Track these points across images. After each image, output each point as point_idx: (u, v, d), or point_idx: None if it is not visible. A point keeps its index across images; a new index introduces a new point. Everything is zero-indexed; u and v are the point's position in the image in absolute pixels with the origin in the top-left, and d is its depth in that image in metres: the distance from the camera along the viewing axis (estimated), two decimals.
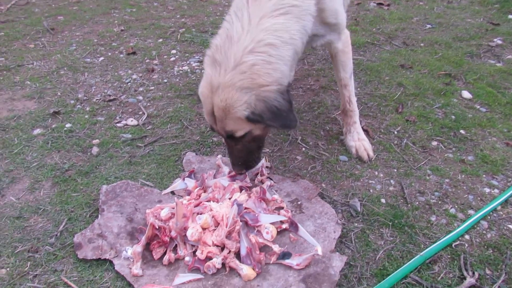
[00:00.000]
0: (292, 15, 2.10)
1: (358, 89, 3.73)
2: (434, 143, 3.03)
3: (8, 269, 2.05)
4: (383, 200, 2.51)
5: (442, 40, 4.67)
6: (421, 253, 2.13)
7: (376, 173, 2.74)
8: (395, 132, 3.14)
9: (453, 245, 2.21)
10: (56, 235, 2.24)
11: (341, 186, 2.62)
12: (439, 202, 2.51)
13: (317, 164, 2.82)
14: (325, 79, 3.87)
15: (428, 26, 5.13)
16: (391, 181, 2.68)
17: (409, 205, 2.48)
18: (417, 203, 2.50)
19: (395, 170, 2.77)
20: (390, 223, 2.34)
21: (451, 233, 2.26)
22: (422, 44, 4.63)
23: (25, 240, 2.21)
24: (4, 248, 2.16)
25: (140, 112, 3.41)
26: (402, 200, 2.52)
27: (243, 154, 2.33)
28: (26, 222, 2.33)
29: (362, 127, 3.18)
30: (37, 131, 3.15)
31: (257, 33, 2.02)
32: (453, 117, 3.30)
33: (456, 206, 2.48)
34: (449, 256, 2.16)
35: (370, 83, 3.83)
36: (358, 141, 2.91)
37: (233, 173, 2.57)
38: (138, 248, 2.07)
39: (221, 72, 2.02)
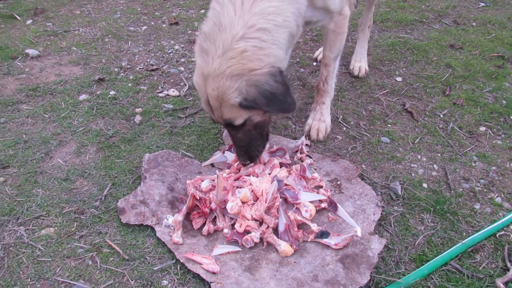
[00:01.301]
0: None
1: (404, 69, 3.60)
2: (482, 128, 2.90)
3: (56, 228, 2.15)
4: (425, 185, 2.45)
5: (496, 19, 4.40)
6: (463, 241, 2.08)
7: (419, 156, 2.67)
8: (441, 116, 3.03)
9: (497, 235, 2.14)
10: (101, 198, 2.32)
11: (382, 168, 2.57)
12: (485, 190, 2.42)
13: (358, 144, 2.77)
14: (369, 58, 3.74)
15: (482, 4, 4.84)
16: (435, 165, 2.60)
17: (453, 191, 2.41)
18: (461, 189, 2.42)
19: (439, 155, 2.68)
20: (432, 209, 2.28)
21: (496, 223, 2.19)
22: (474, 23, 4.39)
23: (71, 201, 2.31)
24: (52, 208, 2.26)
25: (182, 83, 3.43)
26: (445, 186, 2.45)
27: (246, 143, 2.24)
28: (73, 184, 2.43)
29: (406, 109, 3.09)
30: (82, 96, 3.24)
31: (249, 17, 1.94)
32: (504, 102, 3.14)
33: (503, 195, 2.39)
34: (492, 246, 2.09)
35: (417, 63, 3.69)
36: (318, 121, 2.82)
37: (273, 148, 2.57)
38: (179, 217, 2.12)
39: (209, 60, 1.97)
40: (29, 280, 1.89)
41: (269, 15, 1.96)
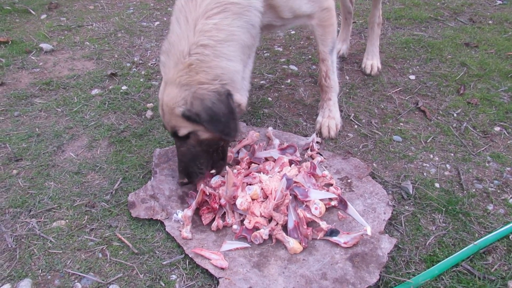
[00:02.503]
0: (230, 13, 2.08)
1: (417, 67, 3.56)
2: (497, 128, 2.85)
3: (67, 220, 2.17)
4: (437, 185, 2.42)
5: None
6: (475, 242, 2.05)
7: (431, 156, 2.64)
8: (455, 115, 2.99)
9: (510, 237, 2.10)
10: (112, 192, 2.33)
11: (393, 167, 2.55)
12: (498, 191, 2.38)
13: (369, 142, 2.74)
14: (382, 55, 3.71)
15: (499, 2, 4.76)
16: (447, 165, 2.57)
17: (465, 191, 2.37)
18: (474, 190, 2.38)
19: (452, 155, 2.64)
20: (444, 209, 2.25)
21: (509, 224, 2.15)
22: (490, 22, 4.32)
23: (83, 195, 2.33)
24: (64, 201, 2.28)
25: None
26: (457, 186, 2.42)
27: (187, 159, 2.20)
28: (84, 178, 2.45)
29: (419, 107, 3.05)
30: (95, 91, 3.26)
31: (192, 35, 2.04)
32: None
33: None
34: (505, 248, 2.06)
35: (431, 61, 3.64)
36: (327, 118, 2.81)
37: (283, 145, 2.56)
38: (189, 212, 2.12)
39: (166, 71, 2.11)
40: (40, 271, 1.91)
41: (208, 32, 2.04)
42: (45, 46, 3.85)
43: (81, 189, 2.37)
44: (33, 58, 3.72)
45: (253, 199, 2.15)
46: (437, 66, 3.57)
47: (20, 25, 4.38)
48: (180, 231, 2.08)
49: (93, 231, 2.12)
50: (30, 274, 1.89)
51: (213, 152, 2.25)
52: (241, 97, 2.19)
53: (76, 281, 1.88)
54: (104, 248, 2.03)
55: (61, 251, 2.01)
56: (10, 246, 2.02)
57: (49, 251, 2.00)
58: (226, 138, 2.11)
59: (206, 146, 2.19)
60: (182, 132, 2.12)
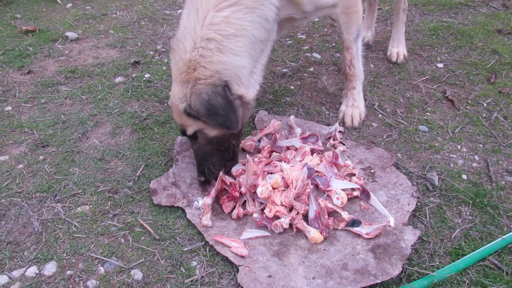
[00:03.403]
0: (242, 6, 2.01)
1: (446, 55, 3.44)
2: None
3: (91, 206, 2.21)
4: (464, 176, 2.34)
5: None
6: (503, 236, 1.98)
7: (459, 147, 2.55)
8: (485, 104, 2.88)
9: None
10: (134, 179, 2.36)
11: (418, 158, 2.48)
12: None
13: (394, 132, 2.67)
14: (409, 42, 3.60)
15: None
16: (475, 156, 2.48)
17: (494, 184, 2.29)
18: (503, 182, 2.30)
19: (481, 146, 2.55)
20: (471, 202, 2.18)
21: None
22: None
23: (106, 181, 2.36)
24: (88, 187, 2.33)
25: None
26: (486, 178, 2.33)
27: (200, 157, 2.20)
28: (108, 164, 2.48)
29: (447, 96, 2.96)
30: (118, 79, 3.29)
31: (199, 29, 2.00)
32: None
33: None
34: None
35: (460, 49, 3.51)
36: (350, 107, 2.75)
37: (305, 134, 2.53)
38: (208, 200, 2.12)
39: (172, 69, 2.11)
40: (65, 254, 1.96)
41: (217, 25, 1.99)
42: (71, 34, 3.91)
43: (104, 175, 2.40)
44: (59, 46, 3.78)
45: (274, 188, 2.14)
46: (467, 54, 3.44)
47: (46, 14, 4.46)
48: (201, 218, 2.09)
49: (116, 217, 2.15)
50: (55, 257, 1.94)
51: (225, 151, 2.22)
52: (246, 91, 2.10)
53: (99, 265, 1.91)
54: (126, 233, 2.06)
55: (85, 236, 2.05)
56: (36, 229, 2.07)
57: (74, 235, 2.05)
58: (229, 130, 2.05)
59: (215, 144, 2.16)
60: (189, 131, 2.13)
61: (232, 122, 2.02)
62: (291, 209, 2.10)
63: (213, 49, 1.99)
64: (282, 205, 2.09)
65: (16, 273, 1.87)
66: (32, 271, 1.88)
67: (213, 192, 2.17)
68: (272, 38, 2.25)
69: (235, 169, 2.27)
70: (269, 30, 2.17)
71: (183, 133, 2.19)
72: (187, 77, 2.02)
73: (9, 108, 2.98)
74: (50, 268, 1.90)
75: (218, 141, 2.15)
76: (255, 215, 2.11)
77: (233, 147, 2.25)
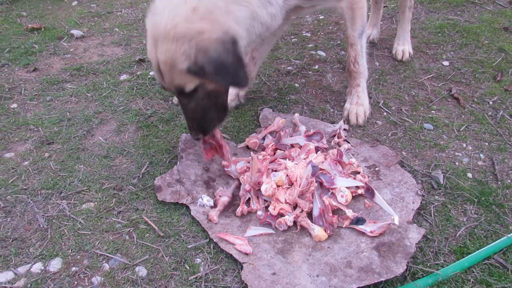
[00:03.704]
0: None
1: (452, 52, 3.42)
2: None
3: (96, 203, 2.22)
4: (469, 175, 2.33)
5: None
6: (509, 235, 1.97)
7: (464, 145, 2.54)
8: (490, 102, 2.86)
9: None
10: (139, 176, 2.37)
11: (423, 156, 2.47)
12: None
13: (399, 130, 2.66)
14: (415, 40, 3.58)
15: None
16: (481, 155, 2.47)
17: (500, 182, 2.27)
18: (509, 181, 2.29)
19: (487, 144, 2.54)
20: (476, 200, 2.17)
21: None
22: None
23: (111, 178, 2.37)
24: (92, 184, 2.34)
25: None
26: (491, 177, 2.32)
27: (198, 115, 2.07)
28: (112, 161, 2.49)
29: (453, 94, 2.94)
30: (123, 76, 3.30)
31: None
32: None
33: None
34: None
35: (466, 46, 3.49)
36: (355, 105, 2.73)
37: (309, 132, 2.52)
38: (225, 198, 2.14)
39: (157, 21, 1.84)
40: (70, 251, 1.97)
41: None
42: (76, 32, 3.93)
43: (109, 172, 2.41)
44: (64, 44, 3.79)
45: (278, 186, 2.14)
46: (473, 51, 3.41)
47: (52, 12, 4.48)
48: (207, 214, 2.09)
49: (121, 214, 2.16)
50: (60, 254, 1.95)
51: (219, 103, 2.13)
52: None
53: (104, 261, 1.92)
54: (131, 230, 2.07)
55: (90, 232, 2.06)
56: (42, 226, 2.09)
57: (79, 232, 2.06)
58: (238, 87, 1.97)
59: (213, 97, 2.06)
60: (189, 87, 1.95)
61: (241, 79, 1.90)
62: (295, 206, 2.10)
63: (221, 7, 1.85)
64: (286, 202, 2.09)
65: (21, 269, 1.88)
66: (37, 267, 1.90)
67: (230, 190, 2.19)
68: (274, 26, 2.15)
69: (239, 166, 2.27)
70: (272, 16, 2.08)
71: (180, 92, 2.00)
72: (184, 29, 1.80)
73: (14, 105, 3.00)
74: (55, 264, 1.91)
75: (217, 94, 2.06)
76: (259, 212, 2.11)
77: (224, 103, 2.18)
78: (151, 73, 3.32)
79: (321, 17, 4.21)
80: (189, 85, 1.95)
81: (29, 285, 1.81)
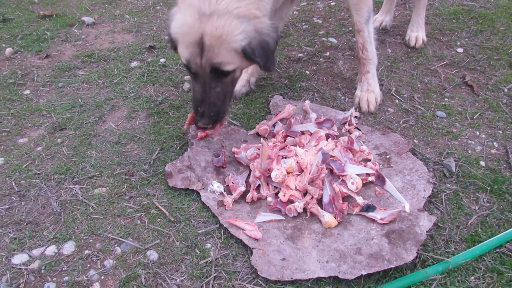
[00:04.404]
0: None
1: (466, 39, 3.35)
2: None
3: (108, 188, 2.25)
4: (482, 163, 2.30)
5: None
6: None
7: (478, 133, 2.50)
8: (505, 90, 2.81)
9: None
10: (150, 162, 2.39)
11: (435, 144, 2.44)
12: None
13: (411, 118, 2.64)
14: (428, 27, 3.51)
15: None
16: (494, 143, 2.43)
17: None
18: None
19: (501, 132, 2.50)
20: (488, 188, 2.15)
21: None
22: None
23: (122, 164, 2.39)
24: (104, 169, 2.36)
25: None
26: (505, 165, 2.29)
27: (220, 100, 2.11)
28: (124, 147, 2.51)
29: (466, 82, 2.89)
30: (134, 63, 3.31)
31: None
32: None
33: None
34: None
35: (481, 33, 3.42)
36: (366, 91, 2.71)
37: (320, 119, 2.51)
38: (242, 187, 2.15)
39: (212, 0, 1.90)
40: (82, 235, 2.00)
41: None
42: (87, 19, 3.93)
43: (121, 158, 2.43)
44: (75, 31, 3.81)
45: (288, 172, 2.13)
46: (488, 38, 3.35)
47: None
48: (219, 200, 2.11)
49: (132, 199, 2.19)
50: (73, 237, 1.99)
51: (232, 91, 2.23)
52: None
53: (116, 245, 1.95)
54: (142, 215, 2.09)
55: (102, 217, 2.09)
56: (55, 210, 2.12)
57: (91, 216, 2.09)
58: (267, 71, 2.08)
59: (234, 84, 2.19)
60: (228, 67, 2.00)
61: (272, 64, 2.06)
62: (305, 193, 2.11)
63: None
64: (296, 189, 2.09)
65: (36, 252, 1.92)
66: (51, 250, 1.93)
67: (243, 178, 2.22)
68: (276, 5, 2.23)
69: (249, 153, 2.27)
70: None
71: (214, 71, 2.01)
72: (247, 12, 1.92)
73: (27, 91, 3.03)
74: (68, 247, 1.94)
75: (235, 81, 2.19)
76: (269, 199, 2.12)
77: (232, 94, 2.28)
78: (162, 60, 3.32)
79: (332, 3, 4.16)
80: (229, 66, 2.00)
81: (43, 267, 1.85)
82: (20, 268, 1.85)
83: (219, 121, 2.21)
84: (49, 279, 1.81)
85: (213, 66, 1.99)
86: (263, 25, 1.96)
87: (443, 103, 2.73)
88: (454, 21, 3.62)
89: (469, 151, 2.38)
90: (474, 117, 2.61)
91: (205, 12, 1.91)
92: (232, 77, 2.11)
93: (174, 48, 2.11)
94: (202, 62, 2.00)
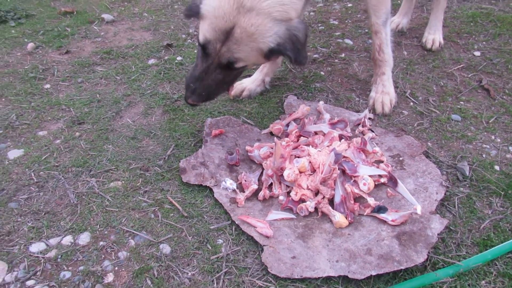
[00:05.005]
0: None
1: (484, 42, 3.32)
2: None
3: (123, 182, 2.30)
4: (497, 167, 2.29)
5: None
6: None
7: (493, 137, 2.48)
8: None
9: None
10: (164, 158, 2.43)
11: (449, 147, 2.43)
12: None
13: (425, 121, 2.63)
14: (445, 30, 3.49)
15: None
16: (510, 148, 2.41)
17: None
18: None
19: None
20: (502, 193, 2.13)
21: None
22: None
23: (138, 159, 2.44)
24: (120, 163, 2.41)
25: None
26: None
27: (215, 84, 2.15)
28: (139, 143, 2.56)
29: (483, 85, 2.87)
30: (151, 61, 3.36)
31: None
32: None
33: None
34: None
35: (500, 36, 3.38)
36: (380, 93, 2.70)
37: (334, 120, 2.52)
38: (255, 186, 2.17)
39: None
40: (98, 226, 2.05)
41: None
42: (107, 16, 4.01)
43: (136, 153, 2.48)
44: (95, 28, 3.88)
45: (300, 172, 2.15)
46: (506, 42, 3.31)
47: None
48: (234, 197, 2.14)
49: (147, 193, 2.23)
50: (89, 228, 2.04)
51: (236, 77, 2.30)
52: None
53: (130, 237, 2.00)
54: (156, 209, 2.13)
55: (117, 210, 2.13)
56: (72, 201, 2.18)
57: (107, 208, 2.14)
58: (299, 65, 2.20)
59: (238, 76, 2.27)
60: (241, 65, 2.08)
61: (303, 58, 2.09)
62: (317, 193, 2.12)
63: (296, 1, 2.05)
64: (308, 189, 2.11)
65: (53, 241, 1.98)
66: (67, 240, 1.99)
67: (256, 177, 2.24)
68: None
69: (263, 152, 2.30)
70: None
71: (228, 64, 2.07)
72: (284, 16, 1.98)
73: (48, 86, 3.10)
74: (84, 238, 2.00)
75: (241, 72, 2.25)
76: (281, 197, 2.14)
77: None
78: (179, 58, 3.37)
79: (349, 5, 4.15)
80: (243, 63, 2.09)
81: (59, 256, 1.90)
82: (37, 256, 1.91)
83: (209, 100, 2.34)
84: (65, 268, 1.87)
85: (230, 60, 2.04)
86: (292, 23, 2.01)
87: (459, 106, 2.72)
88: (472, 24, 3.59)
89: (484, 155, 2.37)
90: (490, 121, 2.59)
91: (245, 5, 1.92)
92: (239, 72, 2.18)
93: (190, 15, 2.13)
94: (222, 50, 2.02)
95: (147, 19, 4.02)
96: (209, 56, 2.08)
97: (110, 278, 1.82)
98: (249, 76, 3.02)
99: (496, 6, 3.84)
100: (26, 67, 3.32)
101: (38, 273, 1.84)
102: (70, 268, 1.87)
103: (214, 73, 2.12)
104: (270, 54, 2.05)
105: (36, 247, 1.95)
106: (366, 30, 3.66)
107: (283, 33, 1.99)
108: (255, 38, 1.97)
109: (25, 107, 2.87)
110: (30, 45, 3.58)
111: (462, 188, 2.18)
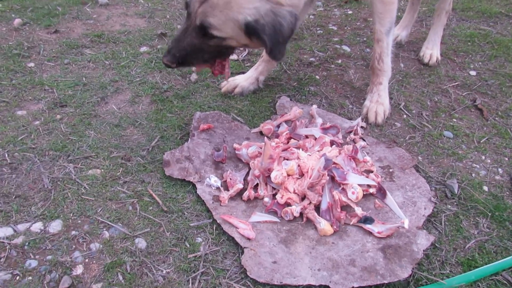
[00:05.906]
0: None
1: (480, 63, 3.32)
2: None
3: (102, 170, 2.19)
4: (485, 188, 2.26)
5: None
6: None
7: (483, 157, 2.46)
8: None
9: None
10: (148, 149, 2.33)
11: (439, 163, 2.40)
12: None
13: (417, 134, 2.59)
14: (443, 46, 3.47)
15: None
16: (499, 169, 2.39)
17: None
18: None
19: (506, 159, 2.46)
20: (489, 214, 2.10)
21: None
22: None
23: (120, 147, 2.34)
24: (101, 151, 2.30)
25: (241, 48, 3.36)
26: (508, 193, 2.25)
27: (191, 50, 2.05)
28: (123, 131, 2.46)
29: (476, 105, 2.85)
30: (143, 48, 3.26)
31: None
32: None
33: None
34: None
35: (496, 58, 3.38)
36: (375, 103, 2.66)
37: (326, 125, 2.46)
38: (240, 185, 2.09)
39: None
40: (71, 215, 1.94)
41: None
42: None
43: (119, 141, 2.38)
44: (88, 9, 3.76)
45: (288, 175, 2.09)
46: (502, 64, 3.31)
47: None
48: (218, 195, 2.05)
49: (126, 184, 2.13)
50: (61, 216, 1.93)
51: (219, 53, 2.16)
52: None
53: (104, 229, 1.89)
54: (134, 201, 2.04)
55: (93, 199, 2.03)
56: (46, 186, 2.06)
57: (82, 196, 2.03)
58: (274, 60, 2.08)
59: (221, 47, 2.10)
60: (217, 33, 1.98)
61: (281, 55, 2.02)
62: (303, 198, 2.06)
63: None
64: (294, 192, 2.04)
65: (21, 227, 1.87)
66: (37, 226, 1.88)
67: (242, 176, 2.17)
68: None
69: (251, 151, 2.22)
70: None
71: (201, 28, 1.97)
72: None
73: (32, 64, 2.97)
74: (55, 226, 1.89)
75: (227, 49, 2.14)
76: (266, 199, 2.06)
77: (223, 57, 2.23)
78: None
79: (349, 12, 4.12)
80: (218, 32, 1.98)
81: (27, 243, 1.79)
82: (2, 242, 1.79)
83: (186, 66, 2.24)
84: (32, 256, 1.76)
85: (203, 23, 1.96)
86: (280, 9, 1.93)
87: (451, 123, 2.69)
88: (469, 43, 3.59)
89: (473, 175, 2.34)
90: (481, 141, 2.56)
91: None
92: (218, 43, 2.04)
93: None
94: (198, 11, 1.96)
95: (142, 5, 3.92)
96: (189, 16, 2.02)
97: (79, 270, 1.72)
98: (243, 73, 2.95)
99: (494, 28, 3.85)
100: (10, 43, 3.18)
101: (1, 260, 1.73)
102: (37, 256, 1.76)
103: (190, 36, 2.03)
104: (248, 30, 1.93)
105: (2, 232, 1.83)
106: (365, 39, 3.62)
107: (265, 11, 1.90)
108: (231, 6, 1.89)
109: (5, 84, 2.74)
110: (17, 21, 3.44)
111: (449, 206, 2.14)
